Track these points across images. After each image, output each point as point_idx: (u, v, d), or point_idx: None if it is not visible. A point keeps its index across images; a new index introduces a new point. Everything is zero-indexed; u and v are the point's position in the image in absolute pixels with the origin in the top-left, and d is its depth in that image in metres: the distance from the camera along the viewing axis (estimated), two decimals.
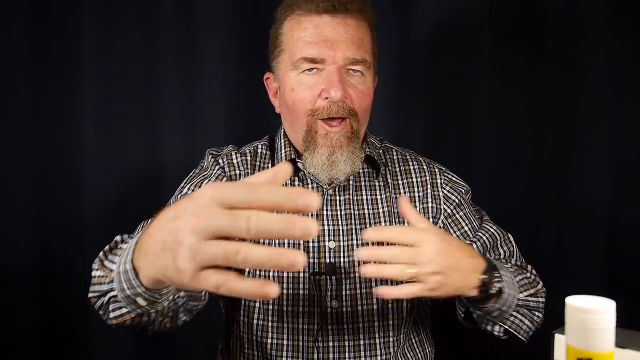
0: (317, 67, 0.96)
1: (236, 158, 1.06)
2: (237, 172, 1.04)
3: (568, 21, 1.28)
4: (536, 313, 0.98)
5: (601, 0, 1.25)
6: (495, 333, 0.97)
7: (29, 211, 1.37)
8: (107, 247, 0.82)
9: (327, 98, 0.95)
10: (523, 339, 0.97)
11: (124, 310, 0.72)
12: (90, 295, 0.80)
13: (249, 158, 1.06)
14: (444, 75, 1.35)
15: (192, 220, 0.49)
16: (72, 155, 1.38)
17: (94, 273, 0.79)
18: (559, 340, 0.69)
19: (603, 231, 1.29)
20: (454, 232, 1.06)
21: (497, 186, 1.32)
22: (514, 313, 0.94)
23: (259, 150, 1.08)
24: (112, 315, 0.74)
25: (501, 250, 1.05)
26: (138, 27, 1.36)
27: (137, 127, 1.38)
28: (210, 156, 1.08)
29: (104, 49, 1.36)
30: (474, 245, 1.04)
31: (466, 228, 1.06)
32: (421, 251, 0.77)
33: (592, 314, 0.52)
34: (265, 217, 0.47)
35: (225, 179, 1.04)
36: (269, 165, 1.06)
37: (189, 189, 1.03)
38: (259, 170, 1.05)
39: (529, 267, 1.04)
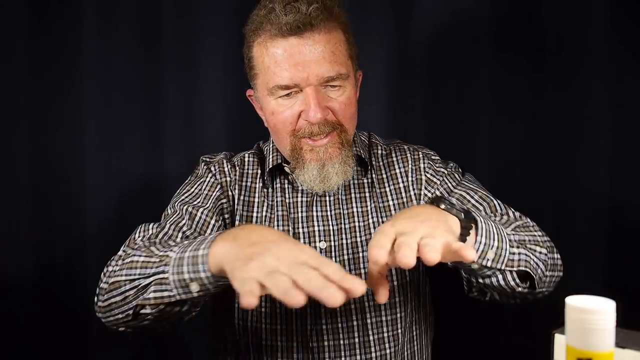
0: (293, 91, 0.95)
1: (226, 166, 1.07)
2: (228, 179, 1.06)
3: (568, 21, 1.28)
4: (537, 249, 0.88)
5: (602, 1, 1.25)
6: (512, 283, 0.85)
7: (29, 212, 1.37)
8: (142, 239, 0.91)
9: (307, 120, 0.95)
10: (538, 280, 0.87)
11: (166, 293, 0.77)
12: (126, 278, 0.82)
13: (237, 167, 1.08)
14: (444, 75, 1.35)
15: (282, 254, 0.65)
16: (72, 156, 1.38)
17: (136, 258, 0.82)
18: (559, 340, 0.69)
19: (603, 231, 1.29)
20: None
21: (496, 186, 1.32)
22: (514, 250, 0.84)
23: (247, 159, 1.09)
24: (151, 295, 0.78)
25: (480, 207, 1.00)
26: (138, 27, 1.36)
27: (137, 128, 1.38)
28: (204, 164, 1.10)
29: (104, 49, 1.36)
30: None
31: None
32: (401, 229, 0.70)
33: (592, 314, 0.52)
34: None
35: (217, 185, 1.05)
36: (257, 170, 1.08)
37: (185, 194, 1.05)
38: (246, 177, 1.07)
39: (517, 213, 1.00)
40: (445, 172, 1.07)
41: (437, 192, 1.04)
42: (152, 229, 0.96)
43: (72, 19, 1.36)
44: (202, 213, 1.00)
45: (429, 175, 1.07)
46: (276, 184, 1.06)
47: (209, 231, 0.99)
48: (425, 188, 1.06)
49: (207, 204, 1.02)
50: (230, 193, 1.05)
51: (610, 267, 1.28)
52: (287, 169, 1.04)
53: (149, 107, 1.38)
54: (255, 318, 1.01)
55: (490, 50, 1.32)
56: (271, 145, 1.08)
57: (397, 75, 1.35)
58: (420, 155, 1.09)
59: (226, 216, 1.04)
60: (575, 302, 0.54)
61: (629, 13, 1.24)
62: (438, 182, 1.05)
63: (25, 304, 1.37)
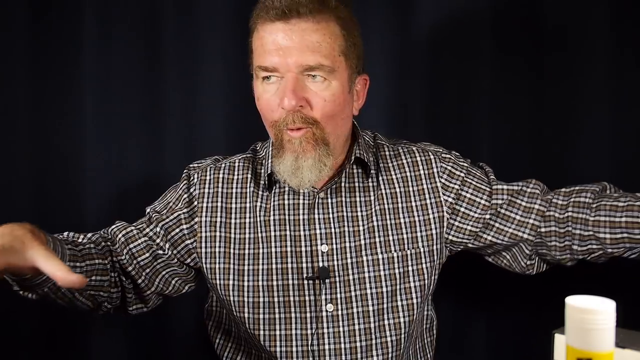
0: (276, 76, 0.93)
1: (210, 174, 1.06)
2: (206, 190, 1.05)
3: (568, 22, 1.28)
4: None
5: (602, 1, 1.25)
6: None
7: (29, 211, 1.37)
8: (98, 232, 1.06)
9: (283, 108, 0.93)
10: None
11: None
12: None
13: (221, 175, 1.06)
14: (444, 75, 1.34)
15: None
16: (72, 156, 1.38)
17: None
18: (559, 340, 0.69)
19: None
20: (467, 225, 1.05)
21: None
22: None
23: (237, 164, 1.08)
24: None
25: (528, 190, 1.05)
26: (138, 27, 1.36)
27: (137, 128, 1.38)
28: (185, 172, 1.09)
29: (104, 49, 1.36)
30: (500, 210, 1.04)
31: (477, 214, 1.04)
32: None
33: (592, 314, 0.52)
34: None
35: (186, 196, 1.05)
36: (248, 175, 1.06)
37: (161, 202, 1.09)
38: (234, 183, 1.06)
39: (561, 191, 1.07)
40: (462, 174, 1.06)
41: (453, 191, 1.05)
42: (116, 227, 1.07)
43: (72, 19, 1.36)
44: (155, 226, 1.05)
45: (443, 181, 1.06)
46: (275, 186, 1.04)
47: (158, 240, 1.04)
48: (444, 194, 1.05)
49: (166, 215, 1.05)
50: (202, 205, 1.05)
51: (610, 267, 1.28)
52: None
53: (149, 107, 1.38)
54: (253, 325, 1.00)
55: (491, 50, 1.32)
56: (270, 148, 1.05)
57: (398, 75, 1.35)
58: (432, 158, 1.08)
59: (184, 227, 1.04)
60: (575, 302, 0.54)
61: (630, 12, 1.24)
62: (456, 187, 1.05)
63: (25, 304, 1.36)
